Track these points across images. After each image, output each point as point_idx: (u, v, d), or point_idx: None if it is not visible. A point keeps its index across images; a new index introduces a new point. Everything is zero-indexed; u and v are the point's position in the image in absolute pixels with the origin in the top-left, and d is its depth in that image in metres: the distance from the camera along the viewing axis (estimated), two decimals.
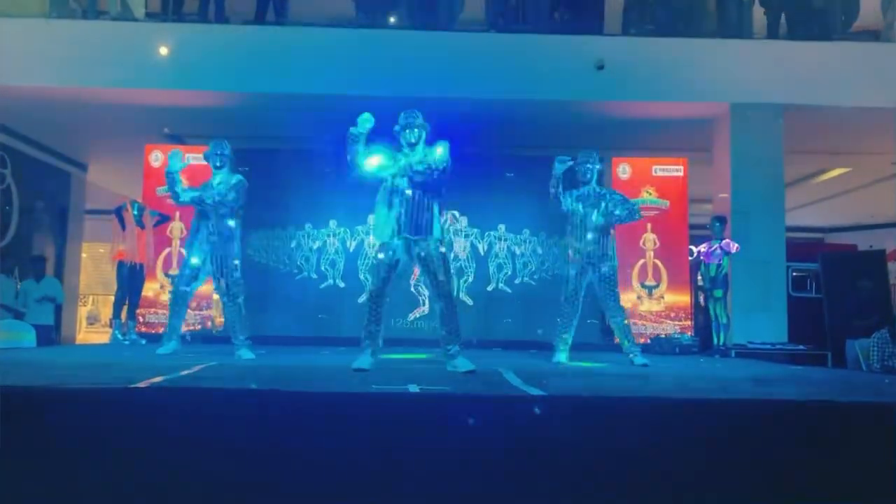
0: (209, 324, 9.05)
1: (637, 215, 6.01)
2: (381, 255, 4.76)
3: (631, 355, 5.68)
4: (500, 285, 9.20)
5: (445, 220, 8.93)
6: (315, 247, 9.20)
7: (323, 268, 9.17)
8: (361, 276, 9.07)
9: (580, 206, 5.77)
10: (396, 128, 4.84)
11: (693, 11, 8.77)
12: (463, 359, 4.67)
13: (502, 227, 9.31)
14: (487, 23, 8.79)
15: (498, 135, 9.20)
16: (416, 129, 4.79)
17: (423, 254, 4.72)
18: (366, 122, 4.68)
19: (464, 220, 9.27)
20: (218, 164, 5.71)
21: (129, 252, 7.91)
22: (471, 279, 9.16)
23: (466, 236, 9.23)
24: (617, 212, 5.77)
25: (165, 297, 8.72)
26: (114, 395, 2.98)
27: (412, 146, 4.79)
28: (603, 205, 5.76)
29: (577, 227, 5.76)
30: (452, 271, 5.03)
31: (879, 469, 2.70)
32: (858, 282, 8.71)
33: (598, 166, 5.88)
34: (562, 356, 5.78)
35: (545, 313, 8.56)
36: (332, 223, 9.25)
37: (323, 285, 9.13)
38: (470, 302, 9.10)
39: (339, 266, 9.17)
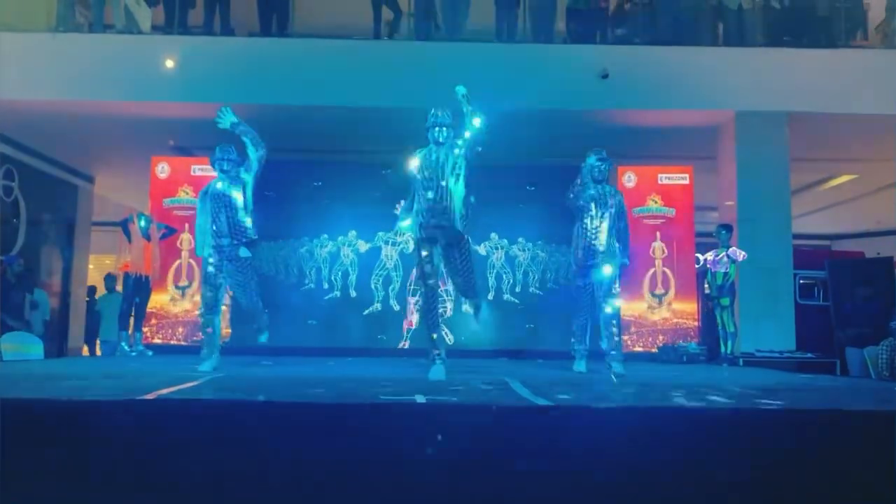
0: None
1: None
2: (422, 252, 4.89)
3: (608, 359, 5.48)
4: (506, 295, 9.14)
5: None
6: (323, 256, 9.17)
7: (333, 279, 9.11)
8: (373, 286, 9.05)
9: (593, 205, 5.69)
10: (427, 124, 4.91)
11: (697, 19, 8.77)
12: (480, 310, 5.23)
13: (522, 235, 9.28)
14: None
15: (502, 144, 9.18)
16: (444, 129, 4.85)
17: (445, 238, 4.83)
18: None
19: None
20: (226, 167, 5.72)
21: (134, 264, 7.93)
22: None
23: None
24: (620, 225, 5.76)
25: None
26: (121, 407, 2.97)
27: (440, 145, 4.85)
28: (613, 209, 5.69)
29: (588, 227, 5.68)
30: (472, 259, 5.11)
31: (891, 478, 2.67)
32: (864, 289, 8.67)
33: (609, 165, 5.83)
34: (582, 364, 5.68)
35: (550, 322, 8.59)
36: (323, 234, 9.24)
37: (328, 296, 9.12)
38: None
39: (352, 277, 9.11)
